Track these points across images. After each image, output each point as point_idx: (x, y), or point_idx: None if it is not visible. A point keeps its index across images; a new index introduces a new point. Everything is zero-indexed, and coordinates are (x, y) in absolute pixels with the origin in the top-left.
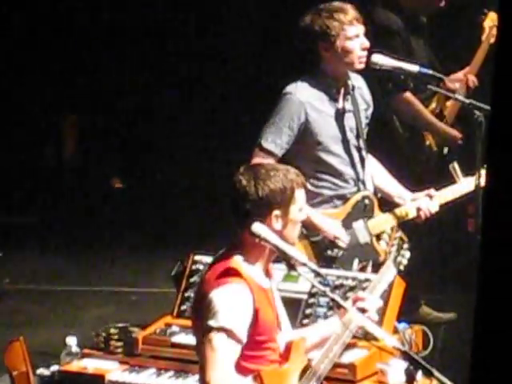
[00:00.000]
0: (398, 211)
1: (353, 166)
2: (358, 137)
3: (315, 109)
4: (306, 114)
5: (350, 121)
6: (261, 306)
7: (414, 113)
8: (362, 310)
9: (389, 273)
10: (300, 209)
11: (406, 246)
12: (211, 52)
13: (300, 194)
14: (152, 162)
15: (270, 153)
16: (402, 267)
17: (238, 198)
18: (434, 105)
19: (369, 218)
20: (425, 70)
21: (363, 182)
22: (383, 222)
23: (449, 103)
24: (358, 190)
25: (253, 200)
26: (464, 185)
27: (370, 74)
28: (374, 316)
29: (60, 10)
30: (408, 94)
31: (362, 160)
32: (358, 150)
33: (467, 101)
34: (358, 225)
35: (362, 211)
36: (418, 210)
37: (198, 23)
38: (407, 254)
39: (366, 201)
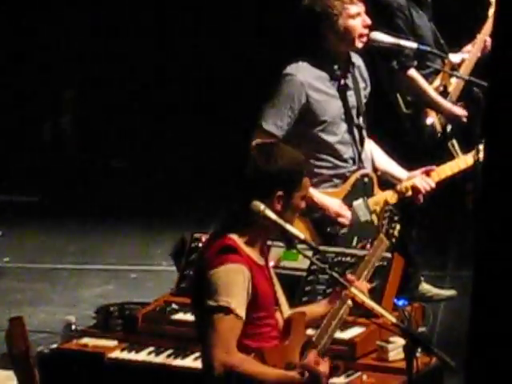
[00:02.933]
0: (397, 189)
1: (352, 145)
2: (358, 115)
3: (316, 89)
4: (306, 95)
5: (351, 99)
6: (259, 283)
7: (418, 90)
8: (353, 297)
9: (381, 246)
10: (303, 197)
11: (396, 218)
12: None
13: (306, 182)
14: (154, 139)
15: (270, 134)
16: (393, 240)
17: (246, 171)
18: (437, 82)
19: (368, 196)
20: (424, 48)
21: (362, 161)
22: (383, 199)
23: (453, 80)
24: (358, 169)
25: (261, 175)
26: (461, 161)
27: (374, 51)
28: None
29: None
30: (412, 71)
31: (362, 139)
32: (358, 128)
33: (466, 77)
34: (358, 203)
35: (362, 189)
36: (414, 187)
37: None
38: (398, 226)
39: (366, 179)
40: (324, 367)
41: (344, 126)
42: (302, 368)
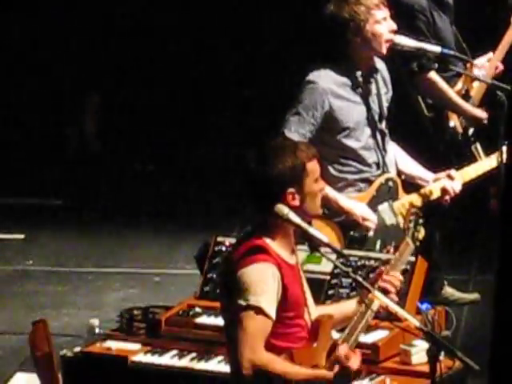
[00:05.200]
0: (422, 192)
1: (376, 150)
2: (380, 120)
3: (339, 96)
4: (329, 103)
5: (373, 104)
6: (289, 283)
7: (439, 93)
8: (384, 291)
9: (408, 250)
10: (315, 179)
11: (421, 221)
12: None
13: (312, 166)
14: (179, 142)
15: None
16: (417, 243)
17: (250, 183)
18: (460, 85)
19: (393, 200)
20: (447, 51)
21: (386, 165)
22: (408, 203)
23: (475, 84)
24: (382, 173)
25: (264, 183)
26: (485, 163)
27: (395, 53)
28: (395, 296)
29: None
30: (433, 74)
31: (385, 143)
32: (381, 133)
33: (490, 81)
34: (384, 207)
35: (387, 193)
36: (443, 189)
37: None
38: (423, 230)
39: (390, 183)
40: (354, 361)
41: (367, 132)
42: (332, 360)
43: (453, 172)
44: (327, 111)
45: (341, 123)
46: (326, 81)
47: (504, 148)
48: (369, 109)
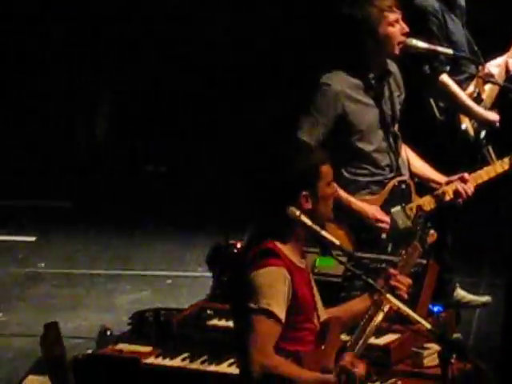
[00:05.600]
0: (435, 194)
1: (389, 152)
2: (393, 123)
3: (352, 98)
4: (342, 105)
5: (386, 107)
6: (299, 287)
7: (451, 95)
8: (395, 288)
9: (416, 253)
10: (328, 183)
11: (429, 224)
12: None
13: (325, 170)
14: (190, 144)
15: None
16: (426, 246)
17: (263, 185)
18: (471, 88)
19: (406, 203)
20: (459, 54)
21: (399, 168)
22: (416, 206)
23: (487, 87)
24: (395, 176)
25: (278, 185)
26: (497, 166)
27: (407, 55)
28: (405, 294)
29: None
30: (445, 76)
31: (398, 146)
32: (394, 136)
33: (501, 83)
34: (397, 210)
35: (400, 196)
36: (456, 192)
37: None
38: (432, 233)
39: (403, 186)
40: (360, 369)
41: (380, 134)
42: (338, 369)
43: (465, 175)
44: (340, 114)
45: (354, 126)
46: (340, 83)
47: None
48: (382, 111)
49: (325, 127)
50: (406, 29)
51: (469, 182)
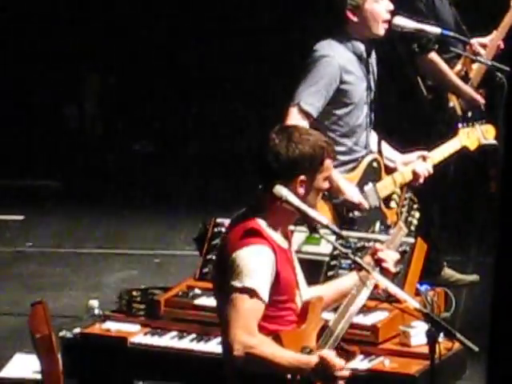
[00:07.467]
0: (398, 174)
1: (366, 128)
2: (374, 99)
3: (349, 71)
4: (341, 78)
5: (370, 83)
6: (282, 267)
7: (439, 73)
8: (381, 261)
9: (401, 233)
10: (325, 178)
11: (415, 206)
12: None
13: (328, 164)
14: (178, 123)
15: (308, 115)
16: (412, 227)
17: (267, 157)
18: (459, 67)
19: (377, 181)
20: (447, 33)
21: (369, 145)
22: (389, 184)
23: (474, 66)
24: (367, 154)
25: (282, 161)
26: (453, 144)
27: (395, 34)
28: (392, 267)
29: None
30: (433, 55)
31: (371, 123)
32: (372, 112)
33: (489, 62)
34: (369, 188)
35: (373, 174)
36: (414, 173)
37: None
38: (417, 215)
39: (375, 164)
40: (339, 364)
41: (365, 110)
42: (318, 359)
43: (425, 153)
44: (338, 86)
45: (347, 99)
46: (341, 55)
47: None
48: (369, 86)
49: (325, 99)
50: (391, 7)
51: (427, 161)
